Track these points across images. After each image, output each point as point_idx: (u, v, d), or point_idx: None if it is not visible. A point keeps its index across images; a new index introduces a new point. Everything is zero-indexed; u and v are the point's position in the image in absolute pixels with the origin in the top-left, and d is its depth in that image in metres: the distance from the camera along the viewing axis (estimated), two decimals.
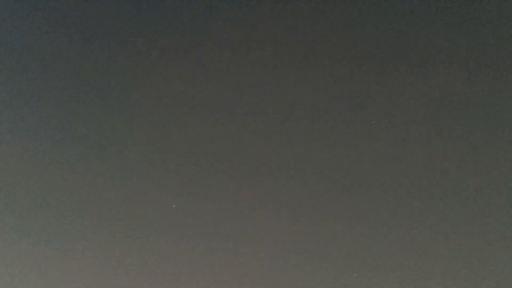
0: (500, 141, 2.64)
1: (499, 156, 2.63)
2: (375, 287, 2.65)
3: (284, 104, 2.85)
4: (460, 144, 2.67)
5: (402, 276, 2.64)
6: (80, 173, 2.94)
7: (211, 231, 2.82)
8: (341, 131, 2.79)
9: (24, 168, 2.97)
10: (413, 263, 2.64)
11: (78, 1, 3.05)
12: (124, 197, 2.89)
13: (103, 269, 2.85)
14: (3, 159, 2.99)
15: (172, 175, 2.88)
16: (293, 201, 2.78)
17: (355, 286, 2.67)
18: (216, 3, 2.95)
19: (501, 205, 2.60)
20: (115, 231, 2.88)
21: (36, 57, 3.05)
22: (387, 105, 2.76)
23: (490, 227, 2.60)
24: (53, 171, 2.96)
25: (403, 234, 2.67)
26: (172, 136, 2.91)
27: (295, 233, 2.75)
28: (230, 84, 2.90)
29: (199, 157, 2.88)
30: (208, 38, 2.95)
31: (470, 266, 2.59)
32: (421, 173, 2.69)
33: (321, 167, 2.78)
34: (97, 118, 2.97)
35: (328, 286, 2.69)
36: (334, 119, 2.80)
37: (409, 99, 2.75)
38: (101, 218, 2.89)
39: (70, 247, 2.88)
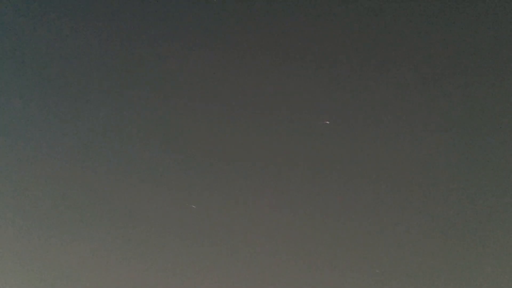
0: (500, 141, 2.65)
1: (500, 157, 2.64)
2: (375, 286, 2.68)
3: (292, 105, 2.86)
4: (460, 144, 2.68)
5: (402, 276, 2.66)
6: (95, 176, 2.94)
7: (228, 231, 2.83)
8: (341, 131, 2.80)
9: (39, 168, 2.97)
10: (412, 263, 2.66)
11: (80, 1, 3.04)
12: (138, 198, 2.90)
13: (118, 270, 2.87)
14: (5, 159, 3.00)
15: (189, 176, 2.88)
16: (309, 202, 2.79)
17: (355, 286, 2.69)
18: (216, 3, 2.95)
19: (501, 205, 2.62)
20: (131, 231, 2.89)
21: (37, 56, 3.05)
22: (388, 106, 2.77)
23: (490, 227, 2.62)
24: (66, 172, 2.96)
25: (403, 235, 2.69)
26: (187, 136, 2.92)
27: (312, 234, 2.77)
28: (244, 87, 2.89)
29: (213, 157, 2.88)
30: (209, 38, 2.95)
31: (470, 267, 2.61)
32: (422, 174, 2.70)
33: (324, 169, 2.80)
34: (112, 118, 2.96)
35: (329, 286, 2.71)
36: (335, 119, 2.81)
37: (409, 99, 2.75)
38: (114, 219, 2.91)
39: (88, 250, 2.90)
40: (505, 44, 2.67)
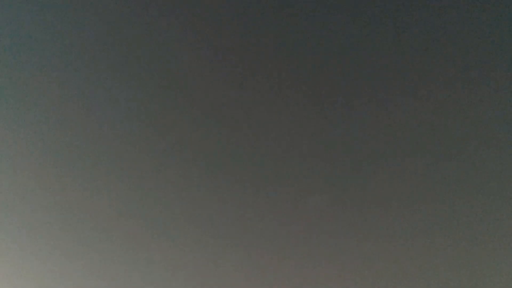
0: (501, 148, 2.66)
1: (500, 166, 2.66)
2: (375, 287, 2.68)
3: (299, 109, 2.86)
4: (460, 150, 2.70)
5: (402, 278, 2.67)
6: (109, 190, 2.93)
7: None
8: (340, 134, 2.80)
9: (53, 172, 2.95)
10: (412, 265, 2.67)
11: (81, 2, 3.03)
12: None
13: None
14: (3, 159, 2.98)
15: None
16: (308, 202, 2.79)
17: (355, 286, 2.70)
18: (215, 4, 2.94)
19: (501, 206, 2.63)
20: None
21: (36, 56, 3.04)
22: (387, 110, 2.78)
23: (490, 228, 2.63)
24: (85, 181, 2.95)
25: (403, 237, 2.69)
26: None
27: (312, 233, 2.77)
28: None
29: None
30: (210, 40, 2.94)
31: (471, 268, 2.62)
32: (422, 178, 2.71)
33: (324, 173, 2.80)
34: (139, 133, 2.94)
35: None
36: (334, 121, 2.82)
37: (408, 103, 2.76)
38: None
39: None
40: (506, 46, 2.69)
